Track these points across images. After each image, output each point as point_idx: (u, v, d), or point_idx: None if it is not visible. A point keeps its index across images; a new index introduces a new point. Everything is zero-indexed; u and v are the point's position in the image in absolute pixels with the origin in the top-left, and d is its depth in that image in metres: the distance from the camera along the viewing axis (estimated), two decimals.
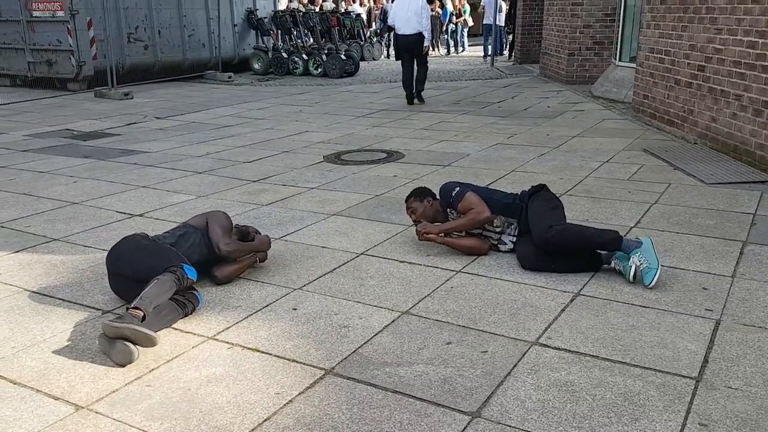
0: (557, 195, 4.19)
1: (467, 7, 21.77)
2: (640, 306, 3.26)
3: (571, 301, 3.34)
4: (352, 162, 6.50)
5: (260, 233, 3.92)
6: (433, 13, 18.29)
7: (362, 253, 4.05)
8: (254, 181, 5.83)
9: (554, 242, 3.61)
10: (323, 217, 4.75)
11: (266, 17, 15.74)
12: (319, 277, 3.71)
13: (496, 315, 3.20)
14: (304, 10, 16.99)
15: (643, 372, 2.67)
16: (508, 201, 3.96)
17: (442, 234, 3.93)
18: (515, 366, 2.74)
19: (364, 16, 19.69)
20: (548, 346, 2.89)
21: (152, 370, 2.76)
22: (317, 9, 18.21)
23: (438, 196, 4.11)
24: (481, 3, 18.97)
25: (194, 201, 5.25)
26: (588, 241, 3.64)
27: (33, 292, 3.57)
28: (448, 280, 3.63)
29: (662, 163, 6.08)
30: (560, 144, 7.05)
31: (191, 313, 3.20)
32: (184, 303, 3.16)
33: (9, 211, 5.06)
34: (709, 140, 6.49)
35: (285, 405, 2.51)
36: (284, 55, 14.94)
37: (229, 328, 3.13)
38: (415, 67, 10.11)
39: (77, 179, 6.00)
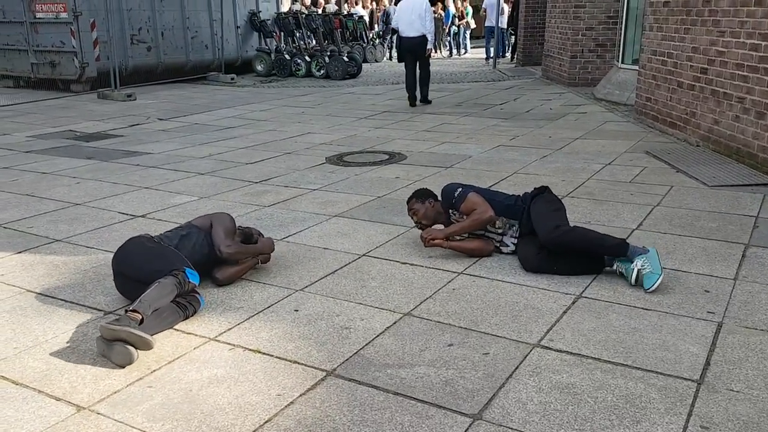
0: (559, 197, 4.19)
1: (469, 10, 21.79)
2: (642, 308, 3.26)
3: (573, 303, 3.34)
4: (355, 163, 6.50)
5: (263, 235, 3.93)
6: (436, 15, 18.33)
7: (364, 255, 4.05)
8: (256, 183, 5.83)
9: (561, 242, 3.60)
10: (325, 219, 4.76)
11: (269, 19, 15.76)
12: (321, 278, 3.71)
13: (497, 317, 3.20)
14: (306, 12, 17.01)
15: (644, 374, 2.67)
16: (510, 203, 3.96)
17: (448, 238, 3.93)
18: (517, 368, 2.73)
19: (366, 18, 19.71)
20: (550, 349, 2.89)
21: (154, 371, 2.77)
22: (320, 11, 18.24)
23: (440, 198, 4.11)
24: (483, 5, 18.97)
25: (196, 202, 5.26)
26: (594, 244, 3.63)
27: (35, 292, 3.58)
28: (449, 281, 3.63)
29: (665, 165, 6.07)
30: (562, 146, 7.05)
31: (192, 316, 3.20)
32: (185, 305, 3.16)
33: (12, 211, 5.07)
34: (712, 143, 6.49)
35: (286, 406, 2.51)
36: (287, 56, 14.96)
37: (230, 329, 3.13)
38: (418, 70, 10.14)
39: (80, 180, 6.01)
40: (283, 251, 4.07)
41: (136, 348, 2.78)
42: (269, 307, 3.37)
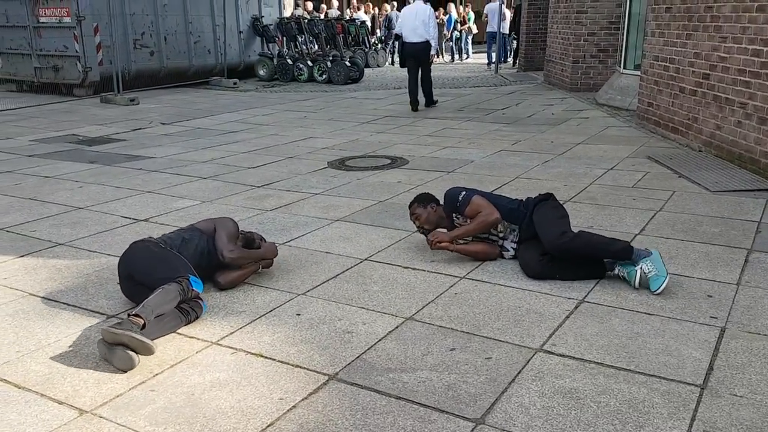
0: (561, 202, 4.19)
1: (471, 15, 21.84)
2: (645, 313, 3.25)
3: (576, 308, 3.33)
4: (356, 168, 6.51)
5: (265, 240, 3.93)
6: (438, 20, 18.36)
7: (366, 259, 4.05)
8: (258, 187, 5.84)
9: (567, 248, 3.59)
10: (327, 223, 4.76)
11: (271, 24, 15.82)
12: (323, 282, 3.71)
13: (500, 321, 3.19)
14: (309, 17, 17.06)
15: (647, 379, 2.66)
16: (513, 206, 3.96)
17: (454, 241, 3.93)
18: (519, 373, 2.73)
19: (368, 23, 19.76)
20: (553, 353, 2.88)
21: (156, 374, 2.77)
22: (322, 16, 18.29)
23: (442, 202, 4.11)
24: (485, 11, 19.01)
25: (199, 206, 5.26)
26: (600, 249, 3.63)
27: (38, 296, 3.58)
28: (452, 286, 3.63)
29: (667, 170, 6.07)
30: (564, 151, 7.05)
31: (194, 321, 3.20)
32: (188, 311, 3.17)
33: (15, 215, 5.08)
34: (714, 148, 6.49)
35: (288, 411, 2.50)
36: (289, 61, 15.00)
37: (232, 333, 3.13)
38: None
39: (82, 184, 6.02)
40: (285, 255, 4.07)
41: (137, 353, 2.78)
42: (271, 311, 3.37)
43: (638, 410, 2.46)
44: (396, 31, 11.08)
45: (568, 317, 3.22)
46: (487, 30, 18.39)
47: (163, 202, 5.39)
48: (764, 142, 5.63)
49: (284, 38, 15.97)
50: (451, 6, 21.90)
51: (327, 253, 4.17)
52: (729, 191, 5.32)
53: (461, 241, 3.98)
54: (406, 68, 10.29)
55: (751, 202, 5.05)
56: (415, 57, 10.01)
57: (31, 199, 5.53)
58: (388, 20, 19.99)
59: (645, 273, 3.47)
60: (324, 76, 14.53)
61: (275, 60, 15.19)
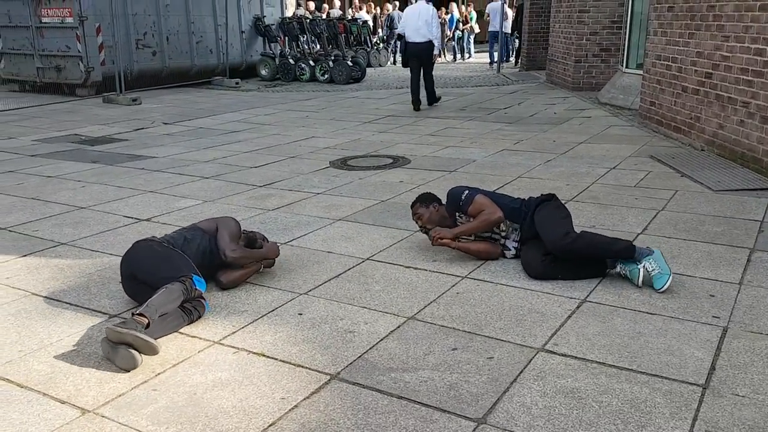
0: (564, 201, 4.19)
1: (473, 14, 21.83)
2: (647, 313, 3.25)
3: (578, 307, 3.33)
4: (358, 167, 6.51)
5: (267, 240, 3.93)
6: (440, 20, 18.35)
7: (368, 259, 4.05)
8: (260, 186, 5.85)
9: (570, 249, 3.59)
10: (329, 222, 4.76)
11: (274, 24, 15.82)
12: (325, 282, 3.71)
13: (502, 321, 3.19)
14: (311, 16, 17.07)
15: (649, 379, 2.66)
16: (516, 206, 3.96)
17: (456, 238, 3.93)
18: (521, 372, 2.73)
19: (370, 23, 19.76)
20: (554, 353, 2.88)
21: (158, 374, 2.77)
22: (324, 16, 18.29)
23: (444, 202, 4.11)
24: (487, 10, 19.01)
25: (201, 206, 5.27)
26: (602, 249, 3.62)
27: (40, 296, 3.59)
28: (453, 285, 3.63)
29: (669, 169, 6.07)
30: (567, 150, 7.05)
31: (196, 321, 3.20)
32: (190, 310, 3.17)
33: (17, 215, 5.09)
34: (717, 147, 6.48)
35: (290, 410, 2.51)
36: (291, 61, 15.00)
37: (234, 332, 3.13)
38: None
39: (85, 184, 6.03)
40: (287, 255, 4.08)
41: (141, 352, 2.78)
42: (273, 310, 3.37)
43: (640, 410, 2.46)
44: (399, 30, 11.10)
45: (570, 317, 3.22)
46: (489, 29, 18.39)
47: (166, 202, 5.39)
48: (767, 141, 5.62)
49: (286, 38, 15.98)
50: (453, 5, 21.91)
51: (329, 252, 4.17)
52: (731, 190, 5.31)
53: (464, 239, 3.98)
54: (409, 68, 10.30)
55: (754, 201, 5.04)
56: (418, 57, 10.02)
57: (34, 199, 5.54)
58: (390, 20, 20.00)
59: (648, 271, 3.47)
60: (326, 76, 14.54)
61: (277, 60, 15.19)
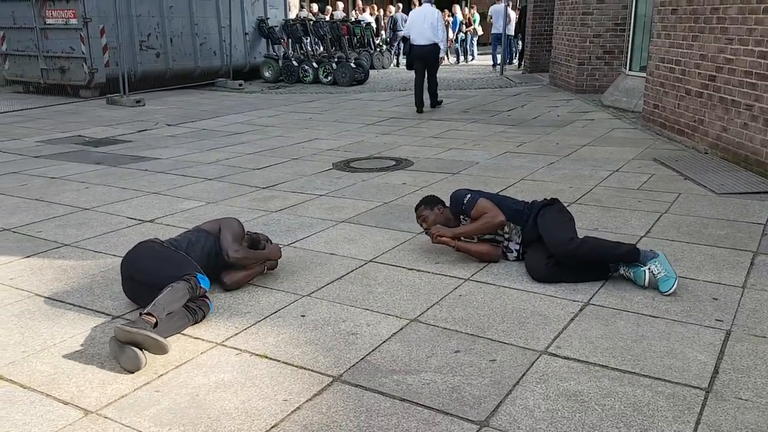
0: (566, 204, 4.18)
1: (477, 17, 21.83)
2: (650, 316, 3.24)
3: (581, 310, 3.33)
4: (361, 169, 6.51)
5: (271, 241, 3.94)
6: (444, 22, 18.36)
7: (371, 261, 4.05)
8: (263, 188, 5.85)
9: (574, 255, 3.58)
10: (332, 224, 4.76)
11: (277, 26, 15.84)
12: (328, 284, 3.71)
13: (504, 324, 3.19)
14: (314, 18, 17.10)
15: (652, 382, 2.66)
16: (519, 208, 3.96)
17: (456, 238, 3.93)
18: (524, 375, 2.73)
19: (373, 25, 19.78)
20: (557, 356, 2.88)
21: (161, 375, 2.77)
22: (327, 18, 18.32)
23: (448, 204, 4.11)
24: (490, 12, 19.01)
25: (204, 207, 5.27)
26: (606, 254, 3.62)
27: (43, 296, 3.60)
28: (456, 287, 3.63)
29: (672, 172, 6.06)
30: (570, 153, 7.04)
31: (201, 320, 3.21)
32: (195, 310, 3.17)
33: (21, 216, 5.11)
34: (720, 150, 6.47)
35: (292, 412, 2.51)
36: (294, 63, 15.03)
37: (237, 334, 3.14)
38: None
39: (88, 185, 6.04)
40: (290, 256, 4.08)
41: (150, 352, 2.79)
42: (276, 312, 3.37)
43: (643, 413, 2.45)
44: (404, 33, 11.12)
45: (572, 320, 3.22)
46: (492, 32, 18.38)
47: (169, 203, 5.40)
48: None
49: (289, 40, 16.00)
50: (457, 8, 21.90)
51: (332, 254, 4.17)
52: (735, 193, 5.30)
53: (465, 240, 3.98)
54: (413, 70, 10.32)
55: (757, 204, 5.03)
56: (423, 59, 10.05)
57: (37, 200, 5.55)
58: (393, 22, 20.01)
59: (654, 274, 3.47)
60: (329, 78, 14.56)
61: (280, 61, 15.22)
